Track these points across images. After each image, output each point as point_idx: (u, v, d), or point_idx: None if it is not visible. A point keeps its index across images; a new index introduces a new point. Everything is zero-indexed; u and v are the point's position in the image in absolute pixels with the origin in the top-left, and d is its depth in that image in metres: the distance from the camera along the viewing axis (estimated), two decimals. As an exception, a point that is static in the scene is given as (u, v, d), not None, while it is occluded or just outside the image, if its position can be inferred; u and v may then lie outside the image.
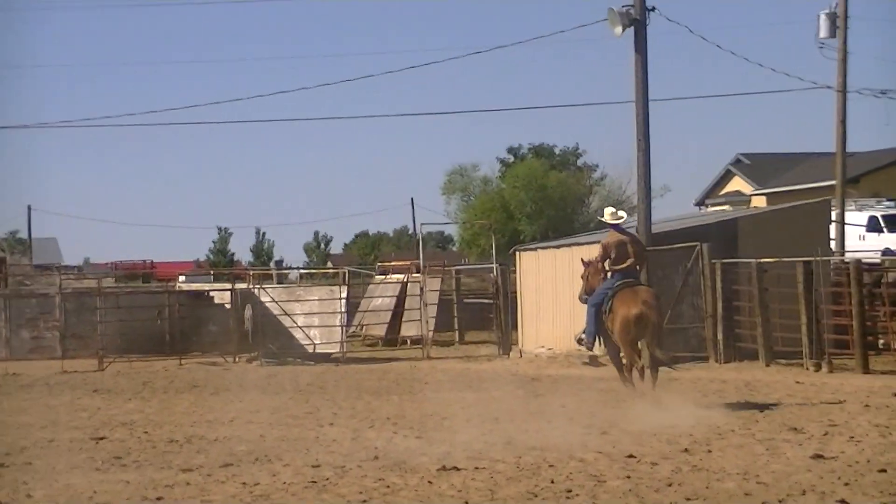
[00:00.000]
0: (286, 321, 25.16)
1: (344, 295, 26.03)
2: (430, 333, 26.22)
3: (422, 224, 52.91)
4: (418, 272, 29.86)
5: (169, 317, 24.30)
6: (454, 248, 55.55)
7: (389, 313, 28.30)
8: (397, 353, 26.37)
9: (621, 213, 15.88)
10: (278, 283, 33.05)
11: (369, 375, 21.50)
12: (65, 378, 22.36)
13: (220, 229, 66.36)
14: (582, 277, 15.61)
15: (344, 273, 29.54)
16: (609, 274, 14.44)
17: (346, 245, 71.44)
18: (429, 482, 8.96)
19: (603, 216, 15.87)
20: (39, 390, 19.95)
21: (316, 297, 26.14)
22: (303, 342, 24.94)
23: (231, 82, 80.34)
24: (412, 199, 64.53)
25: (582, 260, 16.56)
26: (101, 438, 12.71)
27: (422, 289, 26.86)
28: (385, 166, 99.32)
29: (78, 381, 21.75)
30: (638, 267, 14.91)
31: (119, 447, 11.83)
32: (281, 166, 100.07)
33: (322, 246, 71.58)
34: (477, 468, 9.50)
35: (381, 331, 28.22)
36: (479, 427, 12.79)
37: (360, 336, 28.47)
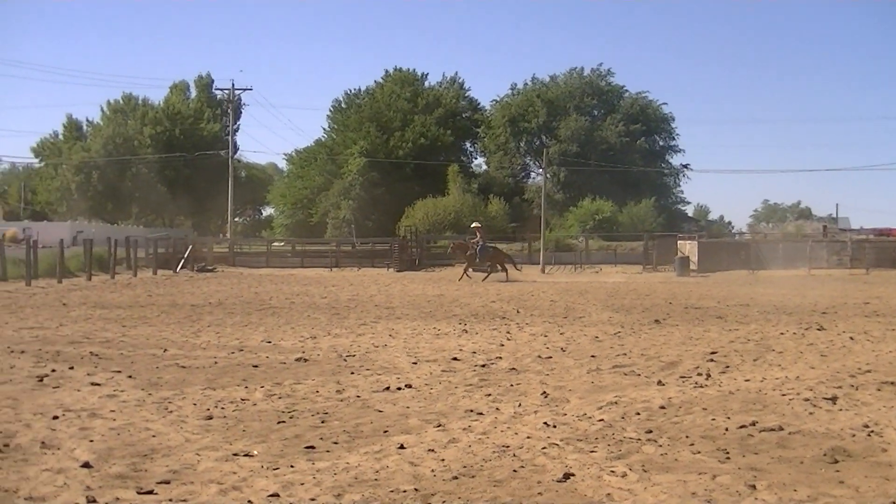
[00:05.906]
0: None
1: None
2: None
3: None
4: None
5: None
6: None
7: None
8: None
9: (476, 224, 33.68)
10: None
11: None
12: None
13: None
14: (460, 247, 33.47)
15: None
16: (479, 241, 32.20)
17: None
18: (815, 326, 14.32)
19: (476, 223, 34.02)
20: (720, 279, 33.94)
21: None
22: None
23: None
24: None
25: (460, 243, 34.62)
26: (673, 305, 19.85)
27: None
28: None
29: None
30: (484, 239, 32.42)
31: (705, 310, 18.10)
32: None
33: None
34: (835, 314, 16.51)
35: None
36: (839, 296, 21.84)
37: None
